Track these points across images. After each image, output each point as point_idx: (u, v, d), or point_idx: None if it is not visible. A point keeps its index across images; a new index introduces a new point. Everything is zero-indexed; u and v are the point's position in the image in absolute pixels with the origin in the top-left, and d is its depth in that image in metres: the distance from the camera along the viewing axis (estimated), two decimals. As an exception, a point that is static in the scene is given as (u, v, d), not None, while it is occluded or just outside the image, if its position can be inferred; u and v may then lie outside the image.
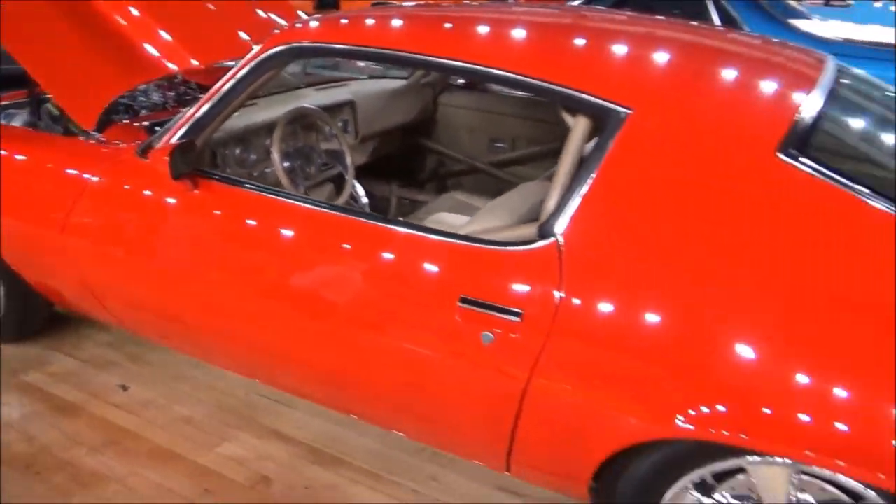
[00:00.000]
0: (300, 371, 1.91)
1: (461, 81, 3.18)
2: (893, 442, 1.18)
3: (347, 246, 1.68)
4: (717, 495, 1.52)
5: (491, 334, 1.48)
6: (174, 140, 1.87)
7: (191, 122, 1.88)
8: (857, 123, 1.70)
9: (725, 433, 1.29)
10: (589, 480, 1.54)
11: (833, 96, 1.62)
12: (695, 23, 2.20)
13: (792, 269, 1.30)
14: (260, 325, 1.84)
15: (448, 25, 1.82)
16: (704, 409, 1.30)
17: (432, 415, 1.69)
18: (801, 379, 1.25)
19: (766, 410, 1.26)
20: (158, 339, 2.24)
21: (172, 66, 2.33)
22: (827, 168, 1.35)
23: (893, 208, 1.32)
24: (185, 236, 1.89)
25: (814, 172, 1.34)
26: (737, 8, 4.14)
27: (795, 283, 1.29)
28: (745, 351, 1.29)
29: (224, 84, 1.86)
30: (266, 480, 2.05)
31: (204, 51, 2.38)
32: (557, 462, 1.55)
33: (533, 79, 1.57)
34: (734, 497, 1.50)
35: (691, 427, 1.30)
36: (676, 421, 1.31)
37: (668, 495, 1.47)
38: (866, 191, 1.33)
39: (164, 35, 2.37)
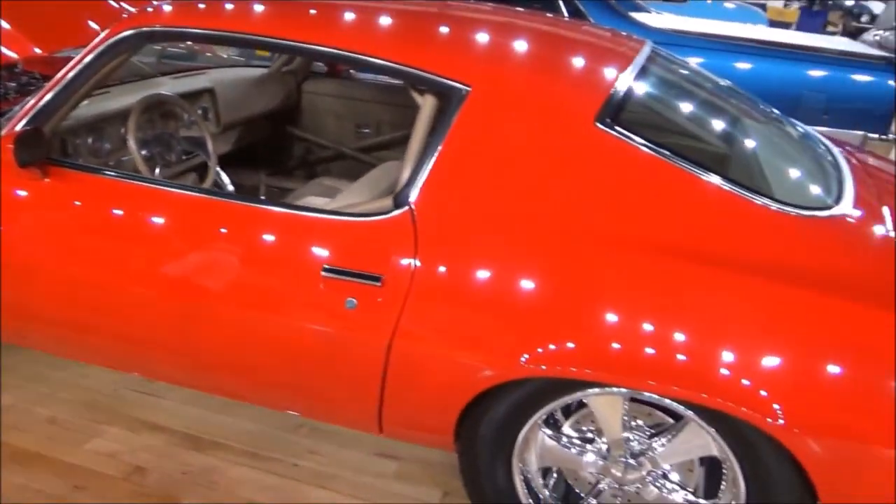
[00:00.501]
0: (174, 357, 1.90)
1: (324, 69, 3.24)
2: (723, 370, 1.39)
3: (213, 227, 1.70)
4: (564, 429, 1.70)
5: (354, 300, 1.58)
6: (18, 128, 1.81)
7: (35, 109, 1.83)
8: (665, 97, 1.95)
9: (573, 369, 1.46)
10: (453, 430, 1.67)
11: (646, 74, 1.84)
12: (536, 13, 2.39)
13: (614, 220, 1.49)
14: (128, 314, 1.82)
15: (304, 9, 1.88)
16: (551, 348, 1.45)
17: (307, 385, 1.76)
18: (635, 317, 1.43)
19: (610, 346, 1.44)
20: (17, 340, 2.15)
21: (12, 55, 2.23)
22: (636, 135, 1.55)
23: (692, 169, 1.54)
24: (38, 227, 1.83)
25: (625, 139, 1.54)
26: (585, 4, 4.44)
27: (618, 231, 1.48)
28: (579, 295, 1.47)
29: (70, 70, 1.82)
30: (141, 471, 2.04)
31: (47, 39, 2.30)
32: (424, 416, 1.67)
33: (385, 61, 1.68)
34: (578, 431, 1.69)
35: (542, 367, 1.46)
36: (522, 362, 1.47)
37: (521, 433, 1.63)
38: (669, 153, 1.55)
39: (3, 23, 2.27)
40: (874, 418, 1.35)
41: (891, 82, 3.78)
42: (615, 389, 1.51)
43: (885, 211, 1.72)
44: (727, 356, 1.38)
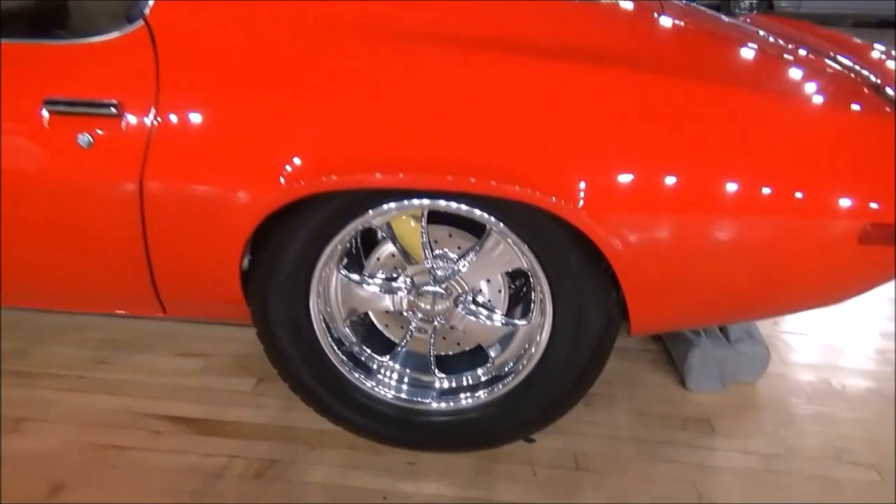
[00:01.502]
0: None
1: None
2: (516, 156, 1.25)
3: None
4: (366, 272, 1.55)
5: (89, 136, 1.31)
6: None
7: None
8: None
9: (334, 178, 1.28)
10: (241, 288, 1.46)
11: None
12: None
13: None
14: None
15: None
16: (304, 159, 1.28)
17: (56, 259, 1.47)
18: (398, 109, 1.28)
19: (376, 145, 1.28)
20: None
21: None
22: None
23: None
24: None
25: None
26: None
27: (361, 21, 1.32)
28: (333, 96, 1.29)
29: None
30: None
31: None
32: (202, 273, 1.45)
33: None
34: (379, 269, 1.55)
35: (301, 182, 1.28)
36: (281, 182, 1.29)
37: (315, 276, 1.45)
38: None
39: None
40: (683, 194, 1.27)
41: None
42: (406, 203, 1.35)
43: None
44: (516, 139, 1.26)
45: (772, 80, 1.44)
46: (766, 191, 1.27)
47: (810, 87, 1.43)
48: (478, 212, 1.34)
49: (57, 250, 1.44)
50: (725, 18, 1.93)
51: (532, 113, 1.27)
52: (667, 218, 1.29)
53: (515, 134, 1.27)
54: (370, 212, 1.36)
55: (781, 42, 1.70)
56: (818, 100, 1.37)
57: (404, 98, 1.28)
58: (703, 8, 1.97)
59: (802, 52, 1.64)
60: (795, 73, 1.49)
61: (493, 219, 1.35)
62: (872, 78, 1.54)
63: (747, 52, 1.56)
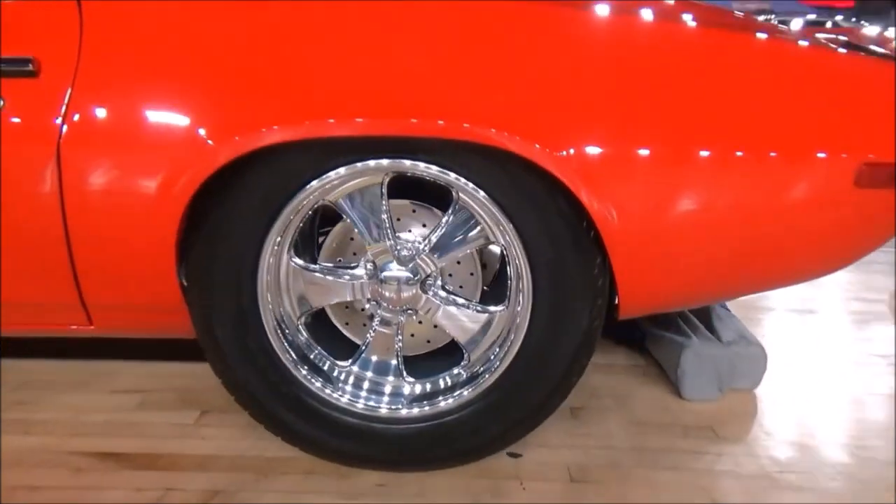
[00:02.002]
0: None
1: None
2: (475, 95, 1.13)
3: None
4: (321, 258, 1.39)
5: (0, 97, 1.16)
6: None
7: None
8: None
9: (276, 128, 1.14)
10: (176, 280, 1.28)
11: None
12: None
13: None
14: None
15: None
16: (240, 112, 1.15)
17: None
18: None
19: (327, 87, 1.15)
20: None
21: None
22: None
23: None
24: None
25: None
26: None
27: None
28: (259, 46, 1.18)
29: None
30: None
31: None
32: (134, 267, 1.26)
33: None
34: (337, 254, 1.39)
35: (236, 137, 1.14)
36: (210, 144, 1.15)
37: (263, 262, 1.28)
38: None
39: None
40: (673, 154, 1.16)
41: None
42: (360, 167, 1.20)
43: None
44: (493, 78, 1.14)
45: (754, 29, 1.38)
46: (756, 139, 1.18)
47: (794, 36, 1.38)
48: (453, 175, 1.19)
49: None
50: None
51: (515, 51, 1.16)
52: (659, 179, 1.17)
53: (492, 72, 1.15)
54: (328, 174, 1.21)
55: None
56: (804, 44, 1.32)
57: (358, 34, 1.16)
58: None
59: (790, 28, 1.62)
60: (779, 29, 1.45)
61: (464, 181, 1.20)
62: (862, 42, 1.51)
63: (735, 16, 1.52)
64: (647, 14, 1.31)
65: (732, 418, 1.63)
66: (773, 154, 1.18)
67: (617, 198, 1.16)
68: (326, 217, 1.40)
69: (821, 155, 1.19)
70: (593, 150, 1.14)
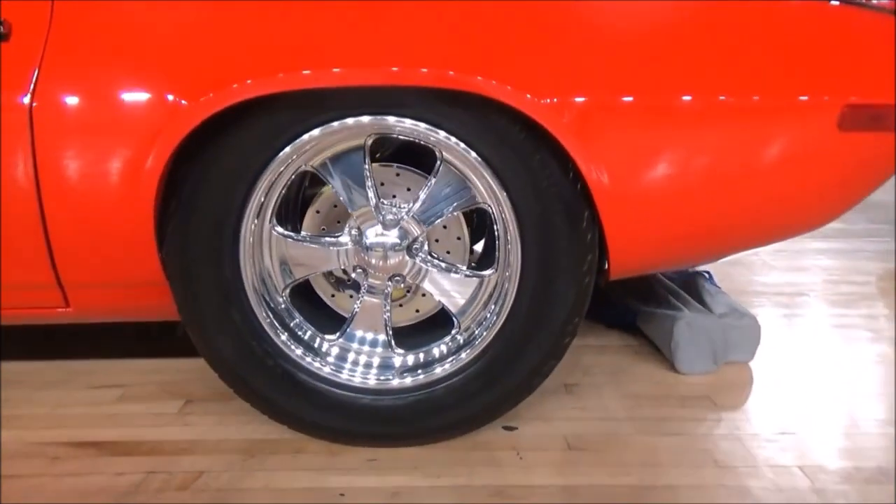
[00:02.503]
0: None
1: None
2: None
3: None
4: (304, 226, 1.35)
5: (-30, 63, 1.14)
6: None
7: None
8: None
9: (249, 81, 1.11)
10: (155, 250, 1.24)
11: None
12: None
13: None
14: None
15: None
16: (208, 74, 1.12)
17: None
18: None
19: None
20: None
21: None
22: None
23: None
24: None
25: None
26: None
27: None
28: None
29: None
30: None
31: None
32: (111, 234, 1.22)
33: None
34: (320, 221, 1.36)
35: (210, 94, 1.11)
36: (183, 105, 1.12)
37: (243, 235, 1.25)
38: None
39: None
40: (665, 107, 1.14)
41: None
42: (336, 126, 1.17)
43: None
44: (481, 24, 1.13)
45: None
46: (740, 84, 1.17)
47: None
48: (442, 133, 1.17)
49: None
50: None
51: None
52: (646, 129, 1.16)
53: (478, 19, 1.13)
54: (301, 138, 1.18)
55: None
56: None
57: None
58: None
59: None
60: None
61: (452, 139, 1.17)
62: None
63: None
64: None
65: (729, 388, 1.60)
66: (755, 98, 1.17)
67: (605, 148, 1.15)
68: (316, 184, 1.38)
69: (802, 98, 1.18)
70: (581, 99, 1.13)
